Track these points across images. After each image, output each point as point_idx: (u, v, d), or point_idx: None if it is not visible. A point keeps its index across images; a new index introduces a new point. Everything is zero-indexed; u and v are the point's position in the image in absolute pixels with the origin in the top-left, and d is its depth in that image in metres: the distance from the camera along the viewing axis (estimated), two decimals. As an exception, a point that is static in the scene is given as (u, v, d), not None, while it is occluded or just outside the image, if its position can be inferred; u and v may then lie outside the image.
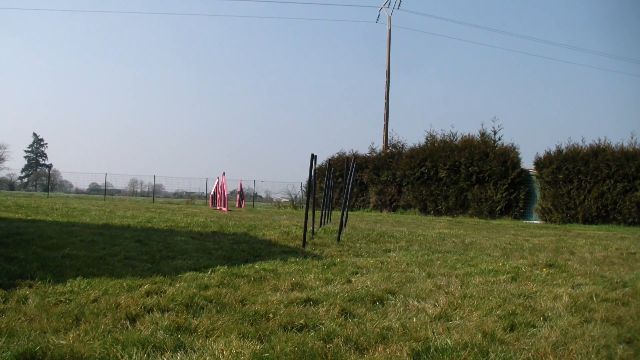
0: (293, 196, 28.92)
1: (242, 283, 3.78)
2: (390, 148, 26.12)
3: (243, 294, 3.43)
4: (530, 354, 2.31)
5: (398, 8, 30.20)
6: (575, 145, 20.17)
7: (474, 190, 21.51)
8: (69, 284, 3.42)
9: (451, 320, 2.90)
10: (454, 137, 23.50)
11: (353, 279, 4.18)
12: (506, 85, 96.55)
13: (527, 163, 21.81)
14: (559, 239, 9.90)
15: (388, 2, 30.36)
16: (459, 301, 3.38)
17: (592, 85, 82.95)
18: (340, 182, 22.11)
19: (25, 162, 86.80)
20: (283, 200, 30.70)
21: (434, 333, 2.57)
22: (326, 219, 10.98)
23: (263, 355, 2.15)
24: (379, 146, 27.21)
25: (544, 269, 5.10)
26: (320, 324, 2.68)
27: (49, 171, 54.19)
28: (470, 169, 21.56)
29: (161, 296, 3.15)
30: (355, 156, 24.16)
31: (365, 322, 2.75)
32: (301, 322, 2.68)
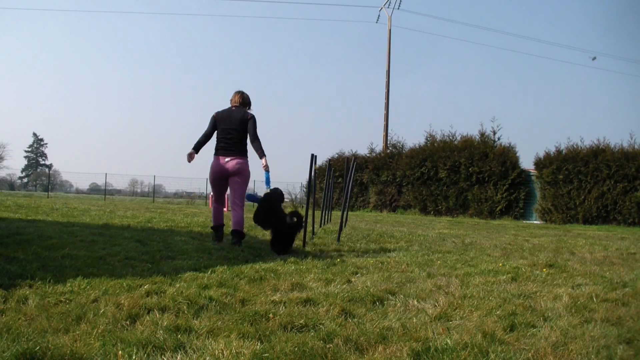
0: (293, 196, 28.93)
1: (242, 283, 3.78)
2: (390, 148, 26.13)
3: (243, 294, 3.43)
4: (530, 354, 2.31)
5: (398, 8, 30.24)
6: (575, 146, 20.20)
7: (474, 191, 21.53)
8: (69, 284, 3.41)
9: (451, 321, 2.90)
10: (453, 137, 23.53)
11: (353, 279, 4.18)
12: (506, 85, 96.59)
13: (525, 163, 21.85)
14: (559, 239, 9.90)
15: (388, 2, 30.39)
16: (459, 301, 3.38)
17: (592, 85, 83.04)
18: (340, 182, 22.11)
19: (25, 162, 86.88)
20: (283, 200, 30.67)
21: (434, 333, 2.57)
22: (326, 219, 10.98)
23: (263, 355, 2.15)
24: (379, 146, 27.21)
25: (544, 269, 5.10)
26: (320, 324, 2.68)
27: (49, 171, 54.21)
28: (470, 169, 21.58)
29: (161, 296, 3.15)
30: (355, 156, 24.16)
31: (365, 322, 2.75)
32: (301, 322, 2.68)
